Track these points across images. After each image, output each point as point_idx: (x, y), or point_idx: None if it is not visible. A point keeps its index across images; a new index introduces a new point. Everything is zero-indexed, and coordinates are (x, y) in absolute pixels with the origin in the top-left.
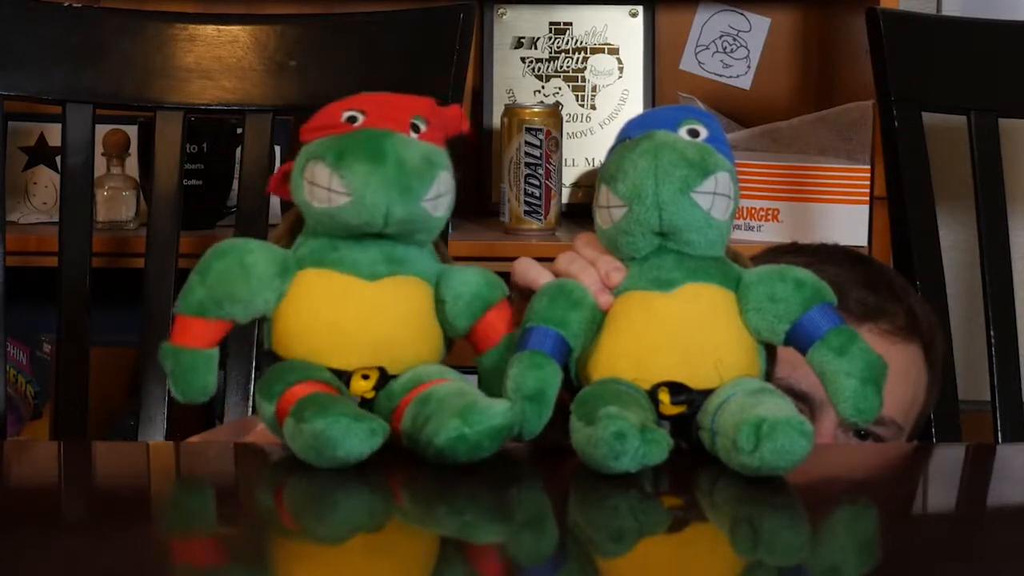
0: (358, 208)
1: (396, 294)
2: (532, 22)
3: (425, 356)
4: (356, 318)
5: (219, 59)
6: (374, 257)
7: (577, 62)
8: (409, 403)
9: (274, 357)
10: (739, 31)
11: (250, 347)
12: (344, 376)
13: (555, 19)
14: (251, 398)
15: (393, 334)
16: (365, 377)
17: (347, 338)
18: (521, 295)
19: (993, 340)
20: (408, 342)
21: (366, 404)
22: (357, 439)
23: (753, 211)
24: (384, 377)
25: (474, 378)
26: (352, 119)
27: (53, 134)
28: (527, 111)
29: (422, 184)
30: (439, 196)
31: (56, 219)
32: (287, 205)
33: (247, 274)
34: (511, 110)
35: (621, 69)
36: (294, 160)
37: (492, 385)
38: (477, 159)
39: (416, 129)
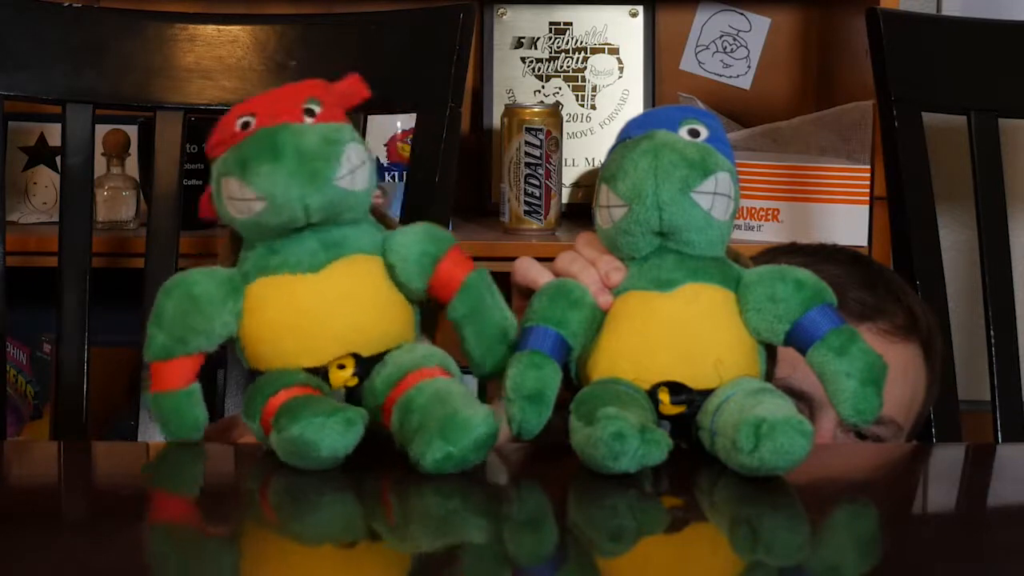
0: (275, 208)
1: (343, 276)
2: (532, 22)
3: (395, 328)
4: (312, 312)
5: (219, 59)
6: (312, 248)
7: (577, 62)
8: (394, 403)
9: (254, 373)
10: (739, 31)
11: None
12: (321, 371)
13: (555, 19)
14: None
15: (353, 317)
16: (341, 367)
17: (310, 334)
18: (521, 295)
19: (993, 340)
20: (371, 320)
21: (352, 393)
22: (335, 434)
23: (753, 211)
24: (360, 362)
25: (467, 378)
26: (246, 124)
27: (53, 134)
28: (527, 111)
29: (328, 165)
30: (353, 170)
31: (56, 219)
32: None
33: (198, 305)
34: (511, 110)
35: (621, 69)
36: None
37: (474, 335)
38: (477, 159)
39: (311, 113)
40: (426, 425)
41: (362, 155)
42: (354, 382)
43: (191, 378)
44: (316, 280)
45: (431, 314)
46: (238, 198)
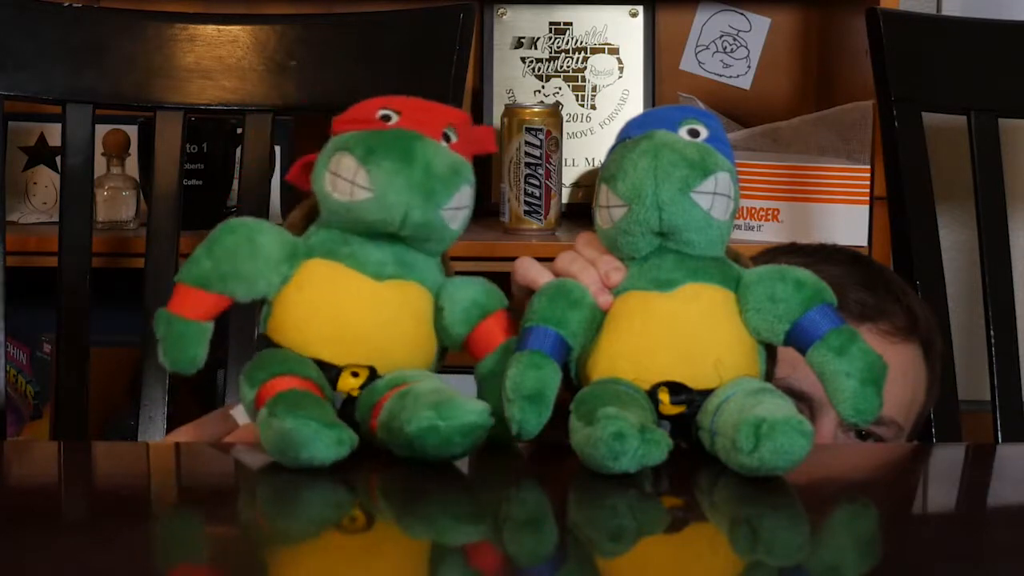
0: (379, 205)
1: (398, 296)
2: (532, 22)
3: (417, 361)
4: (355, 314)
5: (219, 59)
6: (383, 257)
7: (577, 62)
8: (389, 398)
9: (267, 342)
10: (739, 31)
11: (251, 343)
12: (333, 371)
13: (555, 19)
14: None
15: (389, 335)
16: (355, 375)
17: (343, 332)
18: (521, 295)
19: (993, 340)
20: (402, 345)
21: (350, 402)
22: (323, 444)
23: (753, 211)
24: (373, 377)
25: (471, 378)
26: (386, 117)
27: (53, 134)
28: (527, 111)
29: (445, 192)
30: (459, 208)
31: (56, 219)
32: (287, 207)
33: (255, 253)
34: (511, 110)
35: (621, 69)
36: (317, 153)
37: (490, 391)
38: (477, 159)
39: (447, 139)
40: (419, 402)
41: (470, 200)
42: (357, 393)
43: (211, 316)
44: (373, 287)
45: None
46: (347, 179)
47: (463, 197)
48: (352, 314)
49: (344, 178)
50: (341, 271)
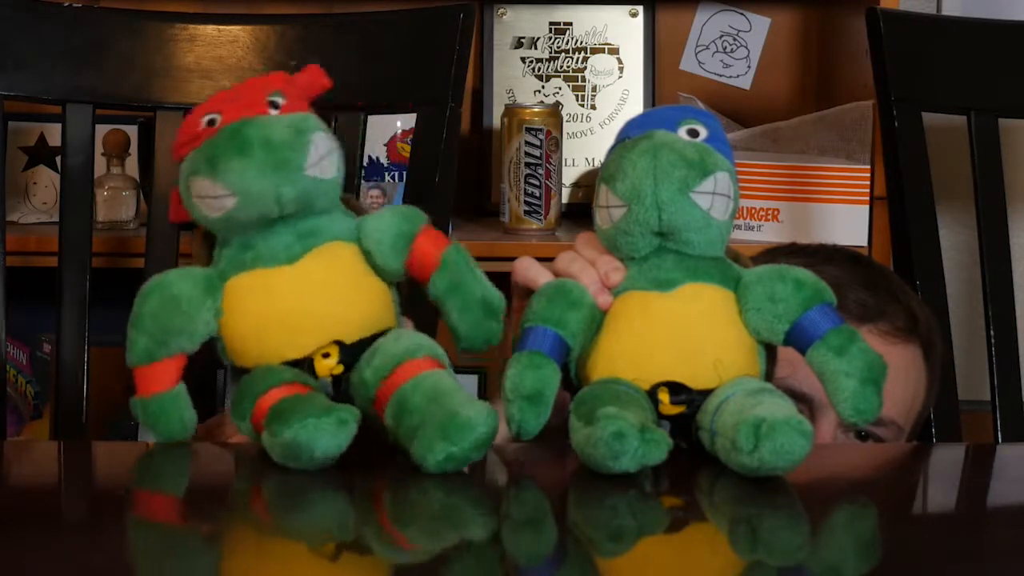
0: (248, 203)
1: (320, 265)
2: (532, 22)
3: (376, 312)
4: (291, 304)
5: (219, 59)
6: (286, 240)
7: (577, 62)
8: (387, 399)
9: (239, 371)
10: (739, 31)
11: None
12: (306, 362)
13: (555, 19)
14: None
15: (333, 305)
16: (326, 356)
17: (291, 326)
18: (521, 295)
19: (993, 340)
20: (352, 306)
21: (339, 382)
22: (328, 435)
23: (753, 211)
24: (345, 349)
25: (466, 378)
26: (211, 122)
27: (53, 134)
28: (527, 111)
29: (297, 155)
30: (321, 159)
31: (56, 219)
32: None
33: (177, 306)
34: (511, 110)
35: (621, 69)
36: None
37: (458, 309)
38: (477, 159)
39: (276, 106)
40: (426, 426)
41: (329, 143)
42: (340, 370)
43: (175, 380)
44: (293, 271)
45: (421, 305)
46: (209, 196)
47: (319, 147)
48: (288, 305)
49: (207, 196)
50: (258, 274)
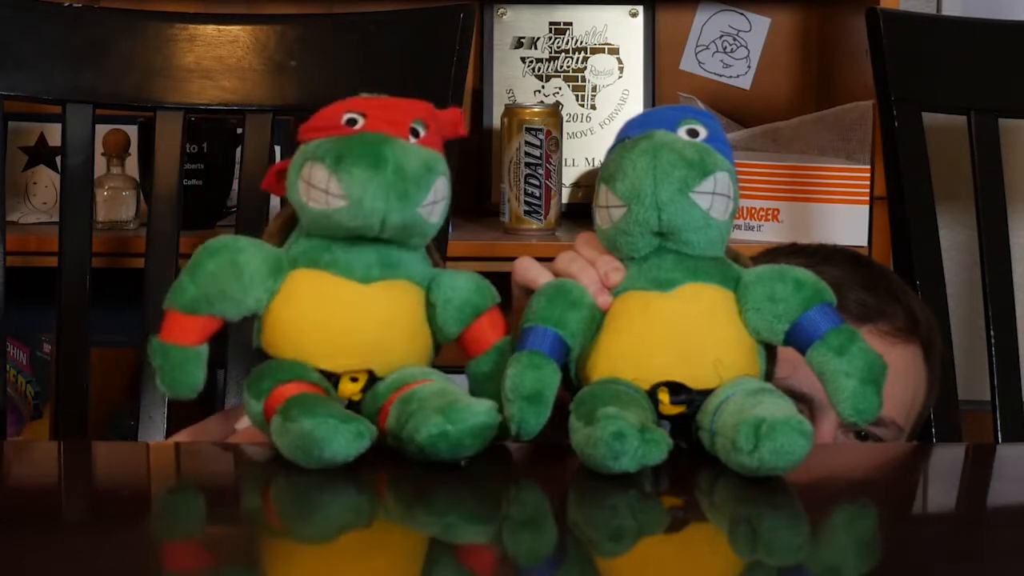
0: (355, 212)
1: (388, 297)
2: (532, 22)
3: (414, 358)
4: (346, 320)
5: (219, 59)
6: (368, 260)
7: (577, 62)
8: (393, 402)
9: (263, 356)
10: (739, 31)
11: (250, 346)
12: (333, 378)
13: (555, 19)
14: None
15: (383, 338)
16: (354, 380)
17: (336, 340)
18: (521, 295)
19: (993, 340)
20: (397, 346)
21: (353, 406)
22: (344, 440)
23: (753, 211)
24: (372, 380)
25: (462, 378)
26: (352, 121)
27: (53, 134)
28: (527, 111)
29: (419, 190)
30: (435, 202)
31: (56, 219)
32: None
33: (239, 273)
34: (511, 110)
35: (621, 69)
36: (291, 158)
37: (483, 392)
38: (477, 159)
39: (415, 134)
40: (426, 407)
41: (447, 191)
42: (359, 397)
43: (204, 339)
44: (361, 291)
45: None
46: (320, 188)
47: (439, 191)
48: (342, 321)
49: (318, 188)
50: (327, 279)
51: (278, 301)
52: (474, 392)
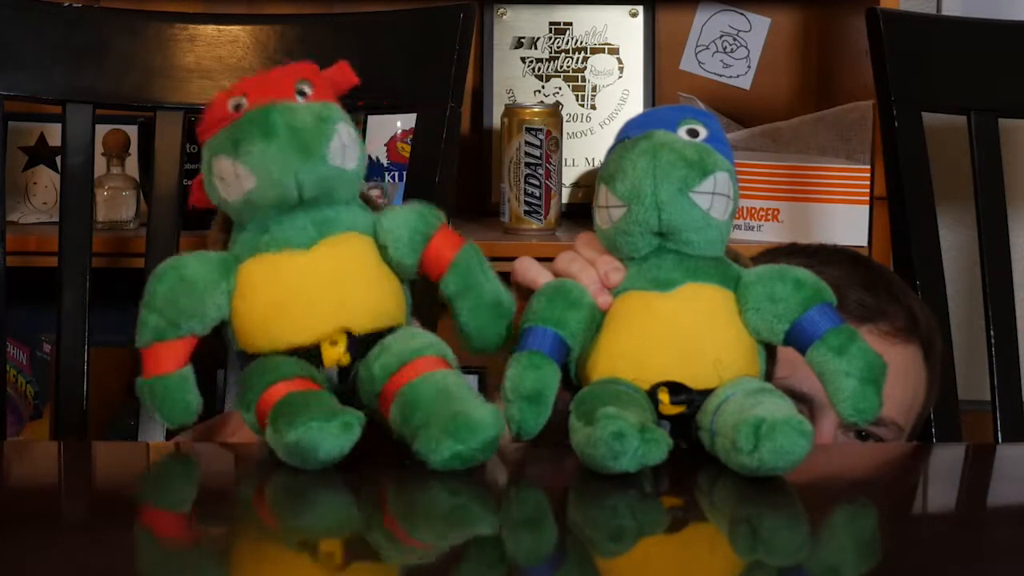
0: (267, 185)
1: (334, 254)
2: (532, 22)
3: (387, 306)
4: (303, 288)
5: (219, 59)
6: (303, 226)
7: (577, 62)
8: (393, 397)
9: (245, 357)
10: (739, 31)
11: None
12: (313, 350)
13: (555, 19)
14: None
15: (344, 292)
16: (333, 344)
17: (301, 311)
18: (521, 295)
19: (993, 340)
20: (362, 295)
21: (345, 373)
22: (332, 440)
23: (753, 211)
24: (352, 339)
25: (471, 378)
26: (238, 106)
27: (53, 134)
28: (527, 111)
29: (320, 142)
30: (344, 149)
31: (56, 219)
32: None
33: (190, 288)
34: (511, 110)
35: (621, 69)
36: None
37: (466, 309)
38: (477, 159)
39: (303, 94)
40: (433, 422)
41: (353, 134)
42: (347, 360)
43: (183, 362)
44: (306, 257)
45: (428, 303)
46: (230, 177)
47: (342, 137)
48: (299, 291)
49: (227, 178)
50: (271, 259)
51: (236, 299)
52: (461, 313)
